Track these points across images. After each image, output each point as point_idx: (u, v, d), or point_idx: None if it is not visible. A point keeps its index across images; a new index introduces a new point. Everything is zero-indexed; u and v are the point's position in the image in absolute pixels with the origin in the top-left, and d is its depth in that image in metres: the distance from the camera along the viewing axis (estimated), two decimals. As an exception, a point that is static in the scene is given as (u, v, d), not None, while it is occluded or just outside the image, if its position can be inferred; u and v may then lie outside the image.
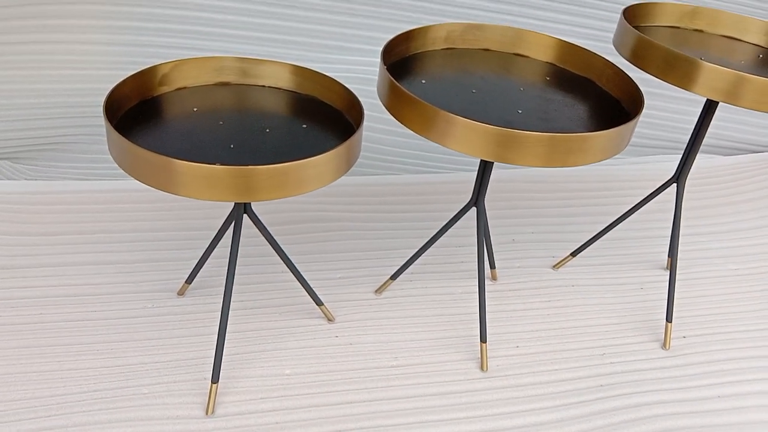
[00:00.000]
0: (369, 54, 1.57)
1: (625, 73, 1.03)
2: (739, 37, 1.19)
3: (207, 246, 1.15)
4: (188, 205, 1.43)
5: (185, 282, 1.18)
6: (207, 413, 0.99)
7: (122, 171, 1.54)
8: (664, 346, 1.23)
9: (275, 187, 0.80)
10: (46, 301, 1.16)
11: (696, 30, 1.22)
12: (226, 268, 1.25)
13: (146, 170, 0.80)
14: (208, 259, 1.15)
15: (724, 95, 0.94)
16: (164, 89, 0.98)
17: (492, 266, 1.32)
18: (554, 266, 1.40)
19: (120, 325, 1.13)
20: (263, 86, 1.04)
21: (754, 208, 1.69)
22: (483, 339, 1.13)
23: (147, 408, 0.98)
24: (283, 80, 1.03)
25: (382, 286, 1.26)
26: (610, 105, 1.03)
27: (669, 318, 1.22)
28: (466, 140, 0.85)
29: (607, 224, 1.34)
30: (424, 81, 1.01)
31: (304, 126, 0.95)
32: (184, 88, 1.00)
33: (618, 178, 1.74)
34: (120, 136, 0.79)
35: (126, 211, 1.39)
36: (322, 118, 0.97)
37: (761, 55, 1.15)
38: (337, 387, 1.07)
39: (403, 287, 1.29)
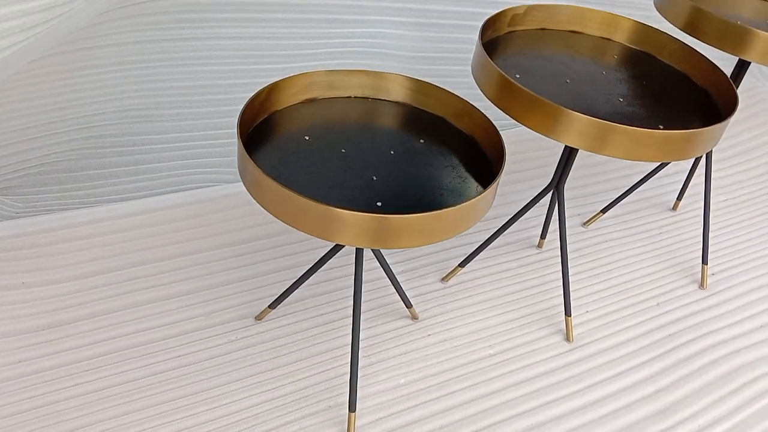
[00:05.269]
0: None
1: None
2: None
3: (303, 271, 1.09)
4: (223, 218, 1.32)
5: (268, 307, 1.11)
6: (350, 443, 0.97)
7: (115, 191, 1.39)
8: (701, 286, 1.35)
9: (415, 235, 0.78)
10: (113, 358, 1.04)
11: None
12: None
13: (303, 217, 0.75)
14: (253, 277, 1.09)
15: None
16: (262, 116, 0.89)
17: (543, 236, 1.37)
18: (584, 224, 1.47)
19: (213, 367, 1.05)
20: (349, 97, 0.97)
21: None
22: (568, 313, 1.19)
23: (291, 452, 0.95)
24: (373, 90, 0.97)
25: (450, 273, 1.26)
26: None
27: (705, 260, 1.35)
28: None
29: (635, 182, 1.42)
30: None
31: (422, 141, 0.91)
32: (276, 111, 0.92)
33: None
34: (275, 182, 0.73)
35: (158, 235, 1.26)
36: (430, 128, 0.94)
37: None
38: (452, 388, 1.08)
39: (462, 272, 1.30)
